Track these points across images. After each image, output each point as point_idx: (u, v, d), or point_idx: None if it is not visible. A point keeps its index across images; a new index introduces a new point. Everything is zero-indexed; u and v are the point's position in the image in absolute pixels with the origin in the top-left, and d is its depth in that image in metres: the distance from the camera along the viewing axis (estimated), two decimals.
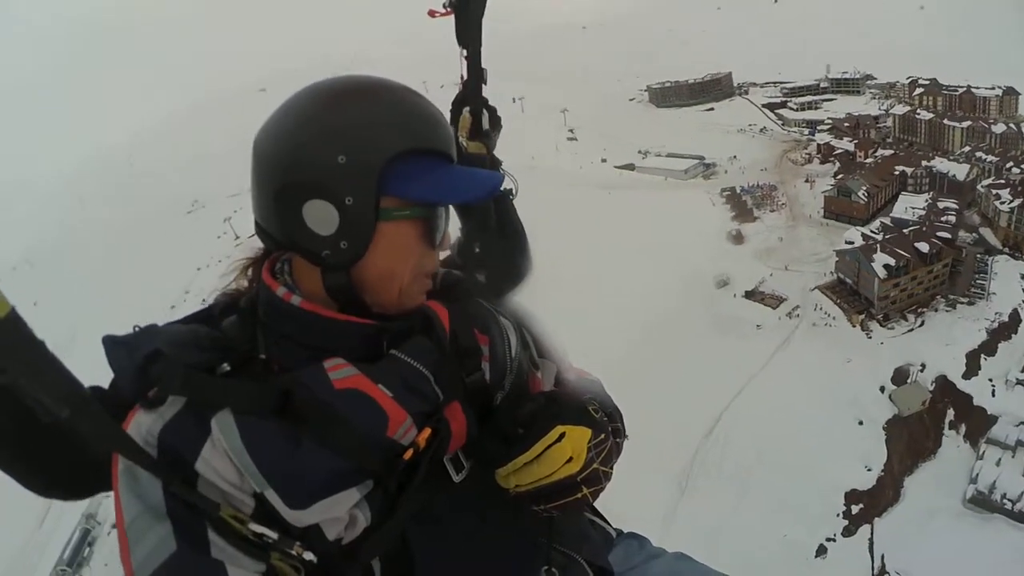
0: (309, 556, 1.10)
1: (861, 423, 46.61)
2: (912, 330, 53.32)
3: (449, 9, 1.85)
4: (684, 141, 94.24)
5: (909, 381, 48.93)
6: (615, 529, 1.77)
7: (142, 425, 1.09)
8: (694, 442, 48.28)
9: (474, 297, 1.45)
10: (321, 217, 1.14)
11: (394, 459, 1.18)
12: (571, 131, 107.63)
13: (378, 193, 1.15)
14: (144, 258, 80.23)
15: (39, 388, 0.95)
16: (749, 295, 61.76)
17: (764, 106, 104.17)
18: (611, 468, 1.32)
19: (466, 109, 1.90)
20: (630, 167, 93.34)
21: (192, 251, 77.89)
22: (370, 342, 1.23)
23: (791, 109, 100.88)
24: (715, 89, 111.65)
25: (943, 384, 48.40)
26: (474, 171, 1.31)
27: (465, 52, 1.92)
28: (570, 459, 1.26)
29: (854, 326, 54.58)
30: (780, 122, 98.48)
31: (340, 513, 1.14)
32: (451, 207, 1.55)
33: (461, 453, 1.32)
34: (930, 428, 46.57)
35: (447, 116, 1.57)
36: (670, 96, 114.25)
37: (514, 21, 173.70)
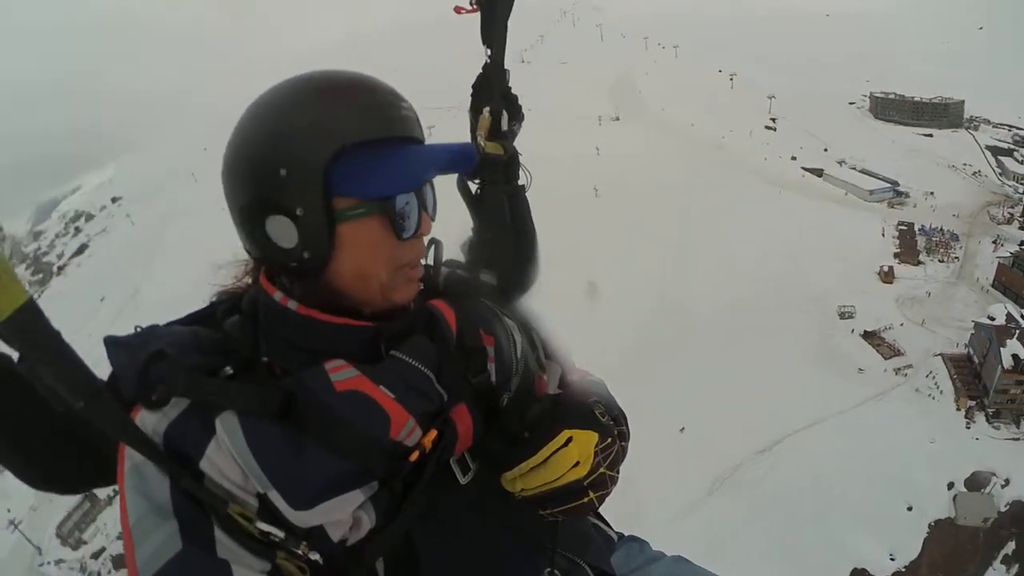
0: (315, 556, 1.10)
1: (910, 509, 43.07)
2: (1018, 439, 47.38)
3: (475, 6, 1.82)
4: (886, 161, 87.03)
5: (983, 491, 43.94)
6: (616, 532, 1.79)
7: (147, 423, 1.09)
8: (744, 454, 47.95)
9: (479, 298, 1.46)
10: (281, 231, 1.14)
11: (399, 461, 1.18)
12: (772, 120, 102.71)
13: (327, 197, 1.12)
14: None
15: (56, 377, 0.96)
16: (867, 336, 58.15)
17: (987, 147, 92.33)
18: (617, 472, 1.35)
19: (486, 109, 1.86)
20: (818, 172, 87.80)
21: None
22: (368, 344, 1.22)
23: (1016, 160, 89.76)
24: (941, 115, 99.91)
25: (1018, 511, 43.14)
26: (429, 149, 1.26)
27: (489, 51, 1.85)
28: (577, 463, 1.27)
29: (958, 409, 49.63)
30: (999, 170, 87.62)
31: (343, 515, 1.14)
32: (462, 199, 1.79)
33: (467, 455, 1.33)
34: (981, 550, 42.04)
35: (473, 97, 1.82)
36: (890, 109, 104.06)
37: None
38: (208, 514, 1.06)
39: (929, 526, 42.70)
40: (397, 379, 1.18)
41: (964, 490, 44.08)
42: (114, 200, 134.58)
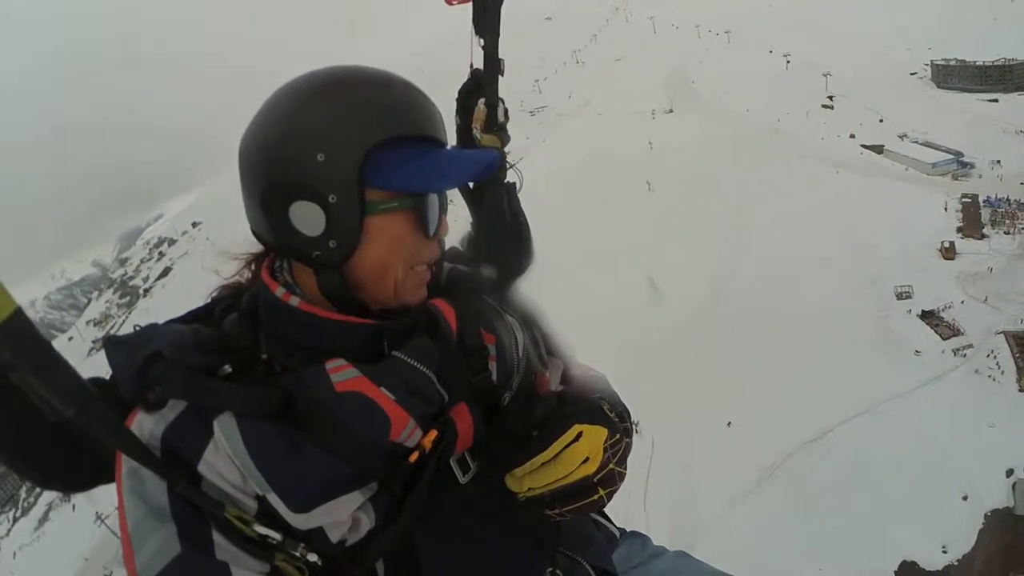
0: (313, 558, 1.09)
1: (965, 498, 40.32)
2: None
3: None
4: (949, 131, 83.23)
5: None
6: (618, 528, 1.79)
7: (144, 426, 1.08)
8: (794, 444, 46.86)
9: (480, 295, 1.47)
10: (308, 218, 1.12)
11: (398, 462, 1.17)
12: (829, 98, 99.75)
13: (361, 187, 1.11)
14: None
15: (46, 386, 0.94)
16: (925, 316, 55.71)
17: None
18: (625, 468, 1.33)
19: (481, 101, 1.76)
20: (878, 149, 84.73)
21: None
22: (370, 342, 1.21)
23: None
24: (1006, 78, 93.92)
25: None
26: (461, 153, 1.31)
27: (482, 42, 1.73)
28: (586, 460, 1.25)
29: (1020, 390, 46.31)
30: None
31: (343, 517, 1.13)
32: (464, 197, 1.81)
33: (468, 454, 1.32)
34: None
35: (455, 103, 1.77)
36: (953, 77, 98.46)
37: None
38: (206, 517, 1.06)
39: (985, 516, 39.73)
40: (398, 380, 1.18)
41: None
42: (195, 225, 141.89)
